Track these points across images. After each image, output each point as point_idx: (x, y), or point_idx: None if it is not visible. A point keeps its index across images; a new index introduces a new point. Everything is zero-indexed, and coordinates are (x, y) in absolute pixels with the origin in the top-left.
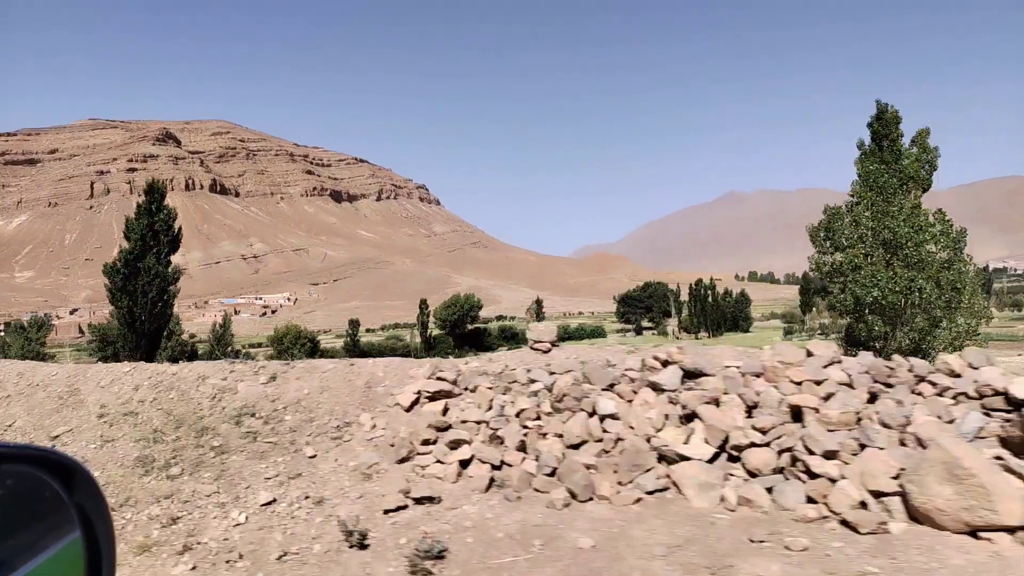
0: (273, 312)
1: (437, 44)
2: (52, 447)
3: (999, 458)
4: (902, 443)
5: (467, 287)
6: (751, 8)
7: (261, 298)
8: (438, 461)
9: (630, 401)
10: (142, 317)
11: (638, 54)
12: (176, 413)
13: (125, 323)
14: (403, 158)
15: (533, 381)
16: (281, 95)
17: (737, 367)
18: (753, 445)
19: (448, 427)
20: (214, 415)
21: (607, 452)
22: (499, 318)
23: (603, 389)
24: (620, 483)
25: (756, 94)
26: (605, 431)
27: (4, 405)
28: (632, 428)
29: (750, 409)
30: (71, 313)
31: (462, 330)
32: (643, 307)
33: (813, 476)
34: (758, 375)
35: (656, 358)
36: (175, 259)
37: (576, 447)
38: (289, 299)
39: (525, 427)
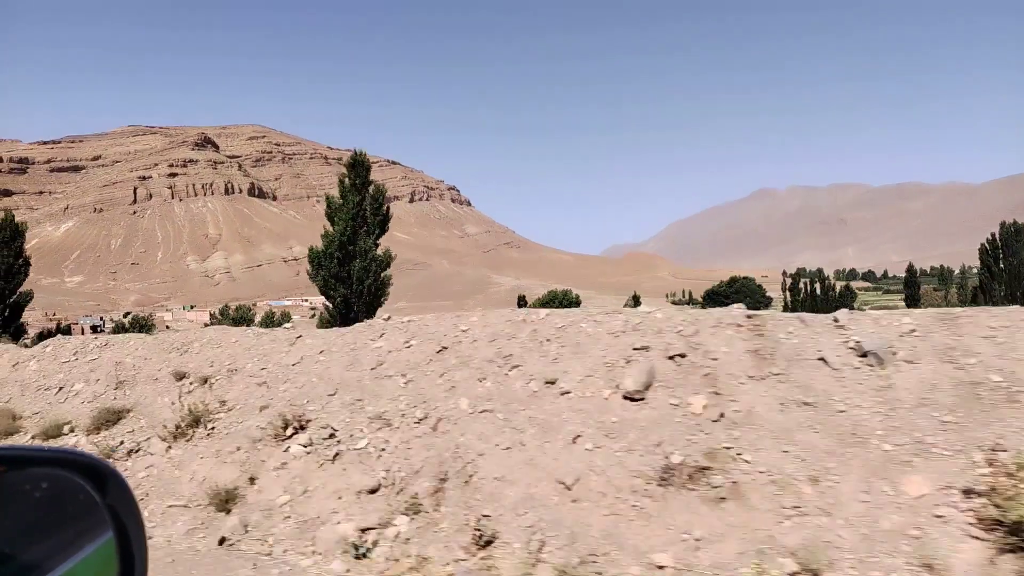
0: (319, 314)
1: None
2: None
3: None
4: None
5: (510, 287)
6: None
7: (307, 300)
8: None
9: None
10: (355, 307)
11: (662, 46)
12: None
13: (339, 315)
14: (431, 158)
15: None
16: (310, 98)
17: None
18: None
19: None
20: None
21: None
22: None
23: None
24: None
25: (789, 86)
26: None
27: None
28: None
29: None
30: (124, 316)
31: None
32: (729, 303)
33: None
34: None
35: None
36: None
37: None
38: None
39: None
